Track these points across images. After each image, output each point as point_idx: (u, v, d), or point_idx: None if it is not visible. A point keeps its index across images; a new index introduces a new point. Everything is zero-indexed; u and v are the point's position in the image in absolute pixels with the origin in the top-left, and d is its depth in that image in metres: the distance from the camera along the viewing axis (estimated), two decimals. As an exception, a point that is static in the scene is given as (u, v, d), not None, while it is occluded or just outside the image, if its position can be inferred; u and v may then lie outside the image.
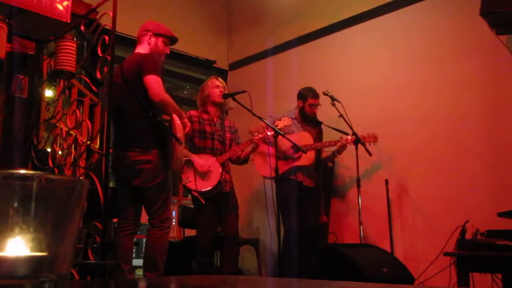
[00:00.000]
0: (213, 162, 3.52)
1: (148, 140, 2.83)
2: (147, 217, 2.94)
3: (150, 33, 3.00)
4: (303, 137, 3.84)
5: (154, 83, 2.77)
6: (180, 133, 2.78)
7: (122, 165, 2.86)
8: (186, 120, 2.97)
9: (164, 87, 2.86)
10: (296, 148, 3.69)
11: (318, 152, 3.93)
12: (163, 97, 2.78)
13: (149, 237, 2.86)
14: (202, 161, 3.48)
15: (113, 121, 2.91)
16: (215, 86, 3.63)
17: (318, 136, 3.99)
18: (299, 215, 3.73)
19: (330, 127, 3.80)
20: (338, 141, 3.72)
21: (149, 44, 2.99)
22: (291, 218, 3.69)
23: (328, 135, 3.94)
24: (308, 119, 3.98)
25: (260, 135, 3.56)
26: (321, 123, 3.98)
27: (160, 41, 3.03)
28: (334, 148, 3.83)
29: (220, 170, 3.49)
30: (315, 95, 3.93)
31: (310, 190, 3.89)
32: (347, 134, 3.69)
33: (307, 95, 3.94)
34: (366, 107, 3.97)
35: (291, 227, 3.68)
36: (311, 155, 3.81)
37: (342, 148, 3.71)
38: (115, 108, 2.90)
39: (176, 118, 2.81)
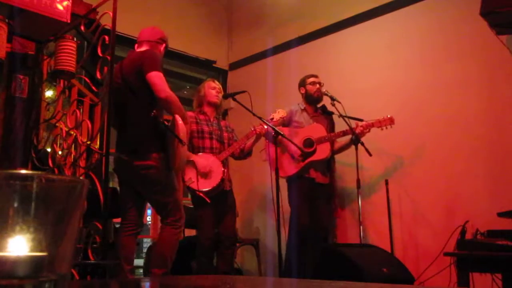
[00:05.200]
0: (213, 160, 3.52)
1: (149, 142, 2.80)
2: (146, 217, 2.94)
3: (165, 44, 3.07)
4: (316, 129, 3.76)
5: (158, 79, 2.74)
6: (182, 134, 2.76)
7: (125, 170, 2.86)
8: (188, 123, 2.97)
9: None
10: (310, 142, 3.68)
11: (332, 144, 3.80)
12: (169, 93, 2.75)
13: (162, 234, 2.86)
14: (203, 161, 3.49)
15: (114, 122, 2.91)
16: (211, 88, 3.71)
17: (330, 127, 3.88)
18: (310, 215, 3.66)
19: (342, 116, 3.60)
20: (355, 128, 3.54)
21: (160, 52, 3.02)
22: (300, 218, 3.63)
23: (340, 127, 3.78)
24: (314, 100, 3.87)
25: (259, 127, 3.58)
26: (332, 113, 3.82)
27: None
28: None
29: (222, 168, 3.50)
30: (312, 75, 3.92)
31: (323, 188, 3.78)
32: (361, 120, 3.59)
33: (304, 79, 3.95)
34: (366, 107, 3.96)
35: (299, 228, 3.61)
36: (326, 147, 3.70)
37: (360, 135, 3.54)
38: (116, 109, 2.89)
39: (178, 118, 2.79)
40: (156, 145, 2.81)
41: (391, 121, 3.52)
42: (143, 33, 3.07)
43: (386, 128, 3.53)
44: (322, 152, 3.70)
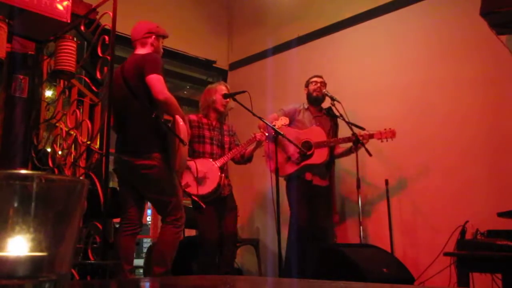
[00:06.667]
0: (211, 166, 3.52)
1: (150, 143, 2.81)
2: (146, 217, 2.94)
3: (154, 36, 3.00)
4: (315, 133, 3.74)
5: (157, 81, 2.75)
6: (183, 134, 2.77)
7: (125, 170, 2.86)
8: (188, 125, 2.96)
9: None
10: (308, 145, 3.67)
11: (331, 148, 3.78)
12: (167, 95, 2.76)
13: (162, 234, 2.87)
14: (199, 166, 3.47)
15: (115, 123, 2.90)
16: (222, 94, 3.63)
17: (332, 130, 3.86)
18: (308, 215, 3.64)
19: (346, 121, 3.57)
20: (354, 136, 3.50)
21: (153, 46, 2.99)
22: (298, 218, 3.62)
23: (344, 131, 3.74)
24: (313, 100, 3.86)
25: (260, 134, 3.57)
26: (337, 116, 3.75)
27: (160, 41, 3.04)
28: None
29: (219, 173, 3.50)
30: (316, 75, 3.91)
31: (321, 190, 3.75)
32: (363, 128, 3.56)
33: (308, 79, 3.94)
34: (366, 107, 3.97)
35: (298, 227, 3.61)
36: (324, 152, 3.68)
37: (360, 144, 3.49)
38: (116, 110, 2.89)
39: (179, 119, 2.80)
40: (158, 145, 2.82)
41: (392, 134, 3.48)
42: (131, 33, 3.05)
43: (387, 140, 3.49)
44: (319, 156, 3.68)
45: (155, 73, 2.76)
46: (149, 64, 2.80)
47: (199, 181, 3.44)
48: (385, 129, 3.50)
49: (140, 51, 2.97)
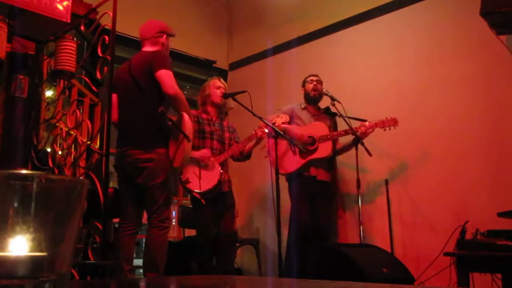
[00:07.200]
0: (211, 162, 3.51)
1: (153, 138, 2.81)
2: (147, 217, 2.94)
3: (165, 35, 3.02)
4: (318, 128, 3.74)
5: (167, 76, 2.77)
6: (188, 131, 2.76)
7: (125, 163, 2.85)
8: (192, 122, 2.96)
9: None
10: (312, 140, 3.66)
11: (333, 143, 3.79)
12: (177, 91, 2.77)
13: (148, 237, 2.84)
14: (202, 151, 3.47)
15: (119, 119, 2.90)
16: (216, 87, 3.66)
17: (332, 128, 3.87)
18: (310, 214, 3.64)
19: (345, 117, 3.57)
20: (357, 127, 3.54)
21: (163, 45, 3.00)
22: (299, 217, 3.63)
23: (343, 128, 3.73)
24: (311, 99, 3.88)
25: (260, 131, 3.57)
26: (335, 114, 3.74)
27: (169, 41, 3.06)
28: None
29: (219, 169, 3.49)
30: (312, 74, 3.92)
31: (325, 186, 3.75)
32: (365, 121, 3.57)
33: (304, 78, 3.96)
34: (366, 107, 3.96)
35: (297, 227, 3.62)
36: (328, 146, 3.69)
37: (364, 135, 3.53)
38: (121, 106, 2.89)
39: (185, 115, 2.80)
40: (161, 141, 2.81)
41: (394, 122, 3.52)
42: (141, 32, 3.07)
43: (390, 129, 3.52)
44: (323, 150, 3.69)
45: (164, 68, 2.78)
46: (158, 60, 2.81)
47: (200, 177, 3.43)
48: (386, 118, 3.53)
49: (149, 49, 2.97)
